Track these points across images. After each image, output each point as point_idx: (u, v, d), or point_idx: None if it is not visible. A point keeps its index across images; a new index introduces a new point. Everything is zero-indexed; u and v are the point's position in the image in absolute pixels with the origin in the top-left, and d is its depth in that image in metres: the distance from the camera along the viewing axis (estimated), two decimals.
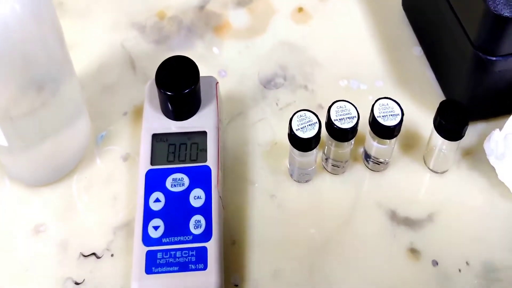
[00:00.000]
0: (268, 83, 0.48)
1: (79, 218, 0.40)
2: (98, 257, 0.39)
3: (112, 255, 0.39)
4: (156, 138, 0.39)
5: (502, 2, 0.37)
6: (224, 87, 0.47)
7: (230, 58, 0.49)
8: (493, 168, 0.40)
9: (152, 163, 0.38)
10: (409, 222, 0.40)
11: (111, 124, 0.45)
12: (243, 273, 0.38)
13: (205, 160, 0.38)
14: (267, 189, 0.42)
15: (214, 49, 0.50)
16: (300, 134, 0.38)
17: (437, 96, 0.46)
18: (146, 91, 0.41)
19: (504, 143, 0.40)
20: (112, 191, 0.41)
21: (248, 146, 0.44)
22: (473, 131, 0.44)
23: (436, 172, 0.43)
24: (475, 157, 0.43)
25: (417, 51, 0.49)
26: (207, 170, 0.38)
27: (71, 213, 0.41)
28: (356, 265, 0.39)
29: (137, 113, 0.45)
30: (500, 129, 0.41)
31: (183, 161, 0.38)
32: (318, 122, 0.38)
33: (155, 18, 0.52)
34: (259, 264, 0.39)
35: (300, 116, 0.39)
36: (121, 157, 0.43)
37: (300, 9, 0.52)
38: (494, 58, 0.39)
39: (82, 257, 0.39)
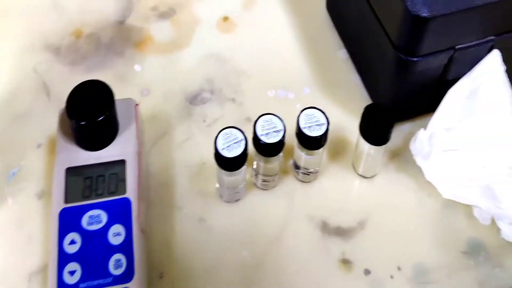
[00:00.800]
0: (194, 99, 0.46)
1: None
2: None
3: None
4: (70, 172, 0.36)
5: (420, 2, 0.36)
6: (147, 106, 0.44)
7: (153, 75, 0.47)
8: (420, 169, 0.40)
9: (66, 201, 0.35)
10: (340, 232, 0.39)
11: (23, 159, 0.41)
12: None
13: (124, 192, 0.35)
14: (195, 213, 0.40)
15: (135, 67, 0.47)
16: (226, 153, 0.36)
17: (364, 99, 0.45)
18: (58, 120, 0.38)
19: (429, 142, 0.39)
20: (26, 233, 0.38)
21: (175, 169, 0.42)
22: (398, 132, 0.43)
23: (366, 177, 0.42)
24: (402, 158, 0.42)
25: (343, 54, 0.48)
26: (127, 202, 0.35)
27: None
28: (291, 282, 0.37)
29: (53, 144, 0.42)
30: (425, 129, 0.40)
31: (101, 195, 0.35)
32: (244, 139, 0.36)
33: (71, 37, 0.48)
34: None
35: (226, 134, 0.37)
36: (35, 194, 0.40)
37: (226, 18, 0.50)
38: (415, 59, 0.38)
39: None
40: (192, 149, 0.43)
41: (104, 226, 0.34)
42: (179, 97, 0.46)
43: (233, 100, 0.46)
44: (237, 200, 0.40)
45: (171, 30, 0.49)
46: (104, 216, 0.35)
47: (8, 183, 0.40)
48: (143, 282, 0.33)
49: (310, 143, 0.38)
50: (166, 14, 0.50)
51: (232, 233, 0.39)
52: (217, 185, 0.40)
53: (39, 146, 0.42)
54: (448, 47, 0.39)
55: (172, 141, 0.43)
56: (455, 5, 0.36)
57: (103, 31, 0.49)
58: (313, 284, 0.37)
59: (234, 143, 0.36)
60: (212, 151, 0.42)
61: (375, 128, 0.38)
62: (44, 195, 0.40)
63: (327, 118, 0.38)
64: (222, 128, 0.37)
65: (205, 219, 0.39)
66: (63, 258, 0.33)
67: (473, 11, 0.36)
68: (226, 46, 0.48)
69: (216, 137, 0.37)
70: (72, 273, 0.33)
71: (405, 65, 0.39)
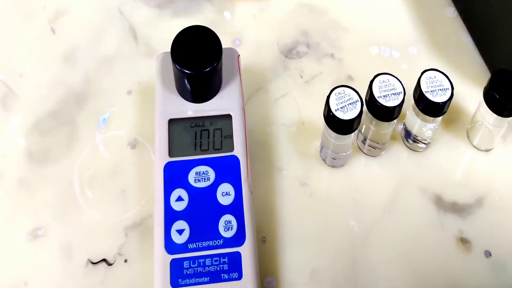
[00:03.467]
0: (289, 52, 0.42)
1: (83, 218, 0.35)
2: (109, 264, 0.34)
3: (125, 261, 0.34)
4: (173, 124, 0.33)
5: None
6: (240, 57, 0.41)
7: (244, 23, 0.43)
8: None
9: (170, 155, 0.32)
10: (456, 208, 0.36)
11: (114, 105, 0.39)
12: (277, 275, 0.34)
13: (232, 149, 0.33)
14: (297, 176, 0.37)
15: (225, 14, 0.43)
16: (340, 115, 0.33)
17: (477, 63, 0.41)
18: (157, 67, 0.35)
19: None
20: (120, 184, 0.36)
21: (272, 127, 0.39)
22: None
23: (481, 150, 0.38)
24: None
25: (450, 11, 0.44)
26: (235, 160, 0.32)
27: (73, 212, 0.35)
28: (402, 259, 0.35)
29: (143, 91, 0.39)
30: None
31: (206, 151, 0.33)
32: (359, 100, 0.33)
33: None
34: (294, 264, 0.34)
35: (339, 93, 0.33)
36: (128, 143, 0.37)
37: None
38: None
39: (90, 265, 0.34)
40: (289, 106, 0.40)
41: (212, 184, 0.32)
42: (273, 49, 0.42)
43: (332, 55, 0.42)
44: (341, 165, 0.37)
45: None
46: (211, 174, 0.32)
47: (99, 130, 0.38)
48: (254, 247, 0.31)
49: (432, 109, 0.34)
50: None
51: (337, 199, 0.36)
52: (319, 148, 0.37)
53: (129, 92, 0.39)
54: None
55: (267, 96, 0.40)
56: None
57: None
58: (428, 261, 0.35)
59: (348, 104, 0.33)
60: (312, 110, 0.39)
61: (505, 97, 0.34)
62: (137, 145, 0.37)
63: (451, 83, 0.34)
64: (334, 87, 0.34)
65: (308, 183, 0.37)
66: (170, 215, 0.31)
67: None
68: None
69: (329, 96, 0.33)
70: (180, 231, 0.31)
71: None
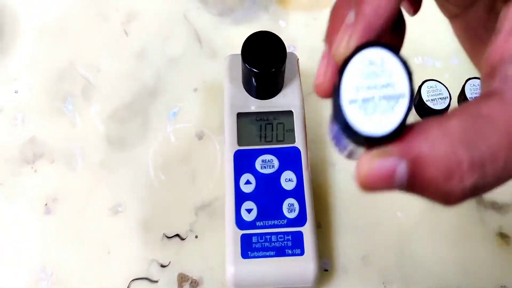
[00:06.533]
0: None
1: (158, 198, 0.39)
2: (182, 239, 0.38)
3: (196, 237, 0.38)
4: (241, 117, 0.37)
5: None
6: None
7: (297, 31, 0.47)
8: None
9: (239, 144, 0.36)
10: (496, 206, 0.39)
11: (182, 101, 0.43)
12: (331, 257, 0.37)
13: (293, 141, 0.36)
14: (348, 171, 0.40)
15: (280, 22, 0.47)
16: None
17: None
18: (225, 67, 0.39)
19: None
20: (189, 170, 0.40)
21: (323, 127, 0.42)
22: None
23: None
24: None
25: None
26: (296, 151, 0.36)
27: (149, 193, 0.39)
28: (446, 251, 0.38)
29: (208, 89, 0.43)
30: None
31: (270, 142, 0.36)
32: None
33: None
34: (346, 249, 0.37)
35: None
36: (195, 135, 0.41)
37: None
38: None
39: (165, 239, 0.38)
40: None
41: (276, 171, 0.35)
42: None
43: None
44: None
45: None
46: (276, 162, 0.36)
47: (170, 122, 0.42)
48: (314, 228, 0.34)
49: None
50: None
51: (386, 193, 0.39)
52: None
53: (195, 90, 0.43)
54: None
55: (320, 98, 0.44)
56: None
57: None
58: (470, 254, 0.38)
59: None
60: None
61: None
62: (203, 136, 0.41)
63: None
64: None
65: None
66: (240, 196, 0.35)
67: None
68: None
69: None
70: (249, 211, 0.34)
71: None
